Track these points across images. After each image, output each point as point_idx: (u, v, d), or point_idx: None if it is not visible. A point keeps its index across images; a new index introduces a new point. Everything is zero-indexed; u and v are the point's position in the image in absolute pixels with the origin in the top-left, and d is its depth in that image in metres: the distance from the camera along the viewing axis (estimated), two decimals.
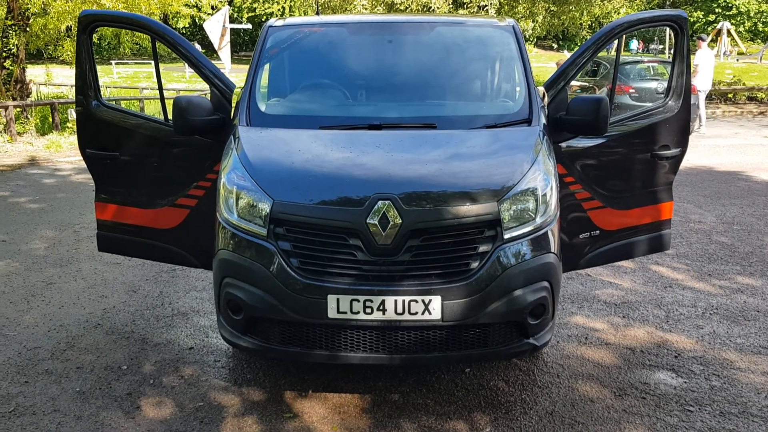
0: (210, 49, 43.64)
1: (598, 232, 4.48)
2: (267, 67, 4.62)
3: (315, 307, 3.39)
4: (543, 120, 4.11)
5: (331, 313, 3.38)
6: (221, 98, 4.35)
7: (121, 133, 4.53)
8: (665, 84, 4.47)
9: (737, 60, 38.22)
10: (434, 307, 3.36)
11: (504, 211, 3.44)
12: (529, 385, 3.90)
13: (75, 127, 4.72)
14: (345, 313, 3.38)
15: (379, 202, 3.35)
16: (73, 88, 4.62)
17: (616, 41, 4.67)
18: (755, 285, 5.48)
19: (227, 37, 32.86)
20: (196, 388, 3.88)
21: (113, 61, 38.55)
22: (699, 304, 5.09)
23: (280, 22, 4.85)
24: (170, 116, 4.67)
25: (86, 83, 4.48)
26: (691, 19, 49.71)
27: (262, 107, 4.29)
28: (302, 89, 4.60)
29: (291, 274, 3.40)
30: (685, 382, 3.92)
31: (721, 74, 26.72)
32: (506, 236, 3.44)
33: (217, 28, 29.74)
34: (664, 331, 4.63)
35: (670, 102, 4.62)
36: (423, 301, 3.35)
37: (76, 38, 4.62)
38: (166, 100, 4.71)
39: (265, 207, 3.48)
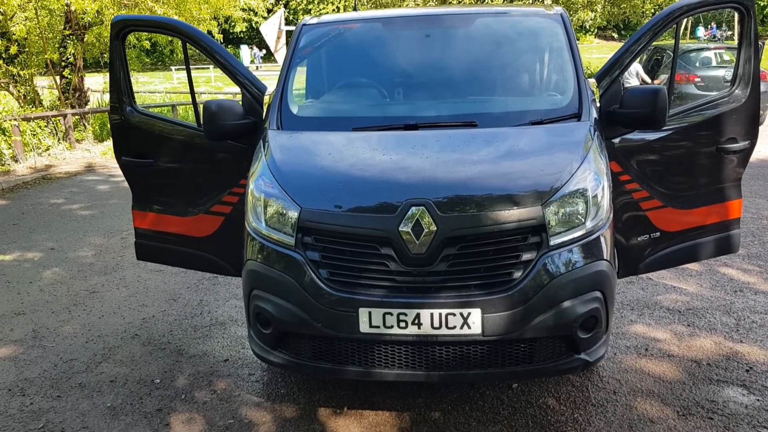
0: (269, 52, 44.08)
1: (658, 233, 4.13)
2: (302, 66, 4.44)
3: (346, 321, 3.18)
4: (594, 114, 3.79)
5: (363, 327, 3.15)
6: (253, 101, 4.20)
7: (155, 139, 4.43)
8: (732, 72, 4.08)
9: None
10: (474, 321, 3.09)
11: (550, 215, 3.15)
12: (583, 403, 3.59)
13: None
14: (378, 327, 3.15)
15: (413, 208, 3.11)
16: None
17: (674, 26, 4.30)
18: None
19: (283, 39, 33.08)
20: (227, 404, 3.72)
21: (173, 68, 39.34)
22: None
23: (314, 20, 4.66)
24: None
25: (120, 90, 4.40)
26: (762, 2, 47.22)
27: (294, 109, 4.11)
28: (336, 89, 4.40)
29: (320, 286, 3.19)
30: (758, 400, 3.53)
31: None
32: (552, 243, 3.15)
33: (273, 30, 29.95)
34: (734, 342, 4.23)
35: (737, 91, 4.23)
36: (461, 314, 3.09)
37: (109, 44, 4.54)
38: (199, 105, 4.59)
39: (292, 215, 3.29)
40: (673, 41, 5.19)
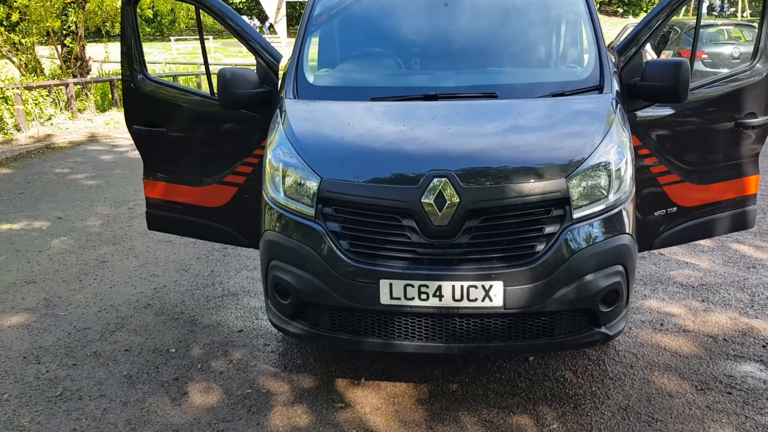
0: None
1: (675, 209, 4.11)
2: (316, 36, 4.37)
3: (366, 293, 3.16)
4: (616, 86, 3.74)
5: (384, 298, 3.13)
6: (268, 70, 4.13)
7: (167, 108, 4.39)
8: (740, 49, 3.99)
9: None
10: (495, 294, 3.07)
11: (573, 188, 3.12)
12: (600, 377, 3.59)
13: None
14: (399, 299, 3.13)
15: (435, 180, 3.07)
16: None
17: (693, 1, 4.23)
18: None
19: (283, 10, 32.60)
20: (244, 374, 3.71)
21: (172, 38, 38.87)
22: None
23: None
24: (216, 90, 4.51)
25: (132, 57, 4.34)
26: None
27: (310, 78, 4.04)
28: (352, 58, 4.32)
29: (340, 257, 3.16)
30: None
31: None
32: (575, 216, 3.12)
33: (273, 1, 29.50)
34: (749, 317, 4.23)
35: (757, 65, 4.20)
36: (483, 286, 3.07)
37: (120, 10, 4.47)
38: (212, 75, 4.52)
39: (312, 185, 3.25)
40: (678, 17, 5.12)
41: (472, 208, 3.06)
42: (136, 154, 10.44)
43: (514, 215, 3.10)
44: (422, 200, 3.06)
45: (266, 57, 4.12)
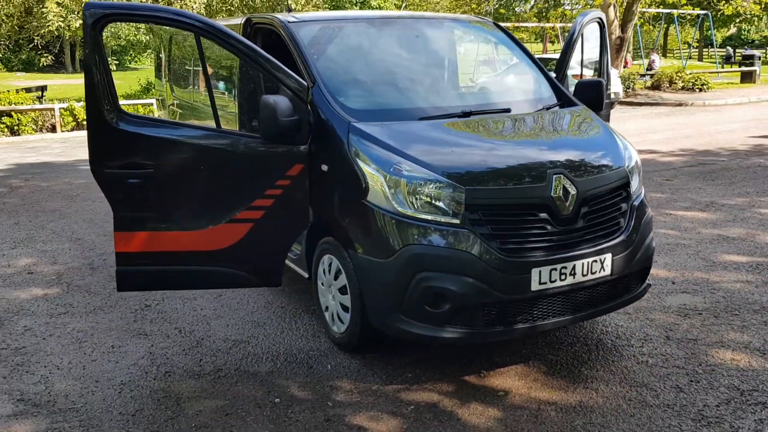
0: None
1: None
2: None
3: (520, 283, 3.67)
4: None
5: (534, 285, 3.69)
6: (295, 98, 4.10)
7: (155, 146, 4.03)
8: None
9: None
10: (607, 264, 3.90)
11: (630, 174, 4.11)
12: (624, 325, 4.58)
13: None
14: (545, 283, 3.72)
15: (554, 177, 3.75)
16: None
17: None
18: None
19: None
20: (384, 397, 3.75)
21: None
22: None
23: (294, 18, 4.72)
24: (222, 122, 4.30)
25: (100, 92, 3.86)
26: None
27: (345, 103, 4.20)
28: (370, 84, 4.59)
29: (497, 256, 3.62)
30: (705, 298, 5.03)
31: None
32: (633, 195, 4.11)
33: None
34: None
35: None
36: (600, 260, 3.87)
37: (82, 37, 3.91)
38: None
39: (454, 195, 3.64)
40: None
41: (585, 196, 3.83)
42: None
43: (608, 198, 3.98)
44: (552, 195, 3.70)
45: (292, 84, 4.06)
